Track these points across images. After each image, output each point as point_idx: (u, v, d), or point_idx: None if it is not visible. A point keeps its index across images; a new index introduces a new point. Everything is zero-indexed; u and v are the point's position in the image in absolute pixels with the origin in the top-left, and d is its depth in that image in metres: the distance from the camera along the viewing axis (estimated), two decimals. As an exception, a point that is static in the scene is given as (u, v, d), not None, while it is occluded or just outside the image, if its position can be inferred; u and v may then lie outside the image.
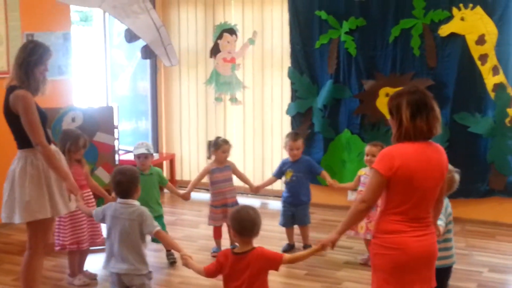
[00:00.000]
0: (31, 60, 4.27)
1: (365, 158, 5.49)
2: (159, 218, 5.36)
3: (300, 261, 3.63)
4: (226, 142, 5.80)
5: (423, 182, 3.25)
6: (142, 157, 5.45)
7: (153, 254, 5.54)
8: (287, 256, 3.58)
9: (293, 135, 5.90)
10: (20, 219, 4.30)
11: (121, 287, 3.97)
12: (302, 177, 5.82)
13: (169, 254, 5.62)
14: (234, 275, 3.50)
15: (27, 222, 4.37)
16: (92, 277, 5.23)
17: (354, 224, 3.48)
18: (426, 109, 3.28)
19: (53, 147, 4.41)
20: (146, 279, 3.94)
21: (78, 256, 5.22)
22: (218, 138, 5.87)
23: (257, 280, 3.48)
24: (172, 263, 5.57)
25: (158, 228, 3.94)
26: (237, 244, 3.66)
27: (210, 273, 3.65)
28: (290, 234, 5.88)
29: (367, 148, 5.50)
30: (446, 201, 3.93)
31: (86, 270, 5.28)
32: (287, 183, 5.88)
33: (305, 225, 5.90)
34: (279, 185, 7.19)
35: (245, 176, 6.09)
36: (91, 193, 5.21)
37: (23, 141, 4.27)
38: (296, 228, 5.94)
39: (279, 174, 5.96)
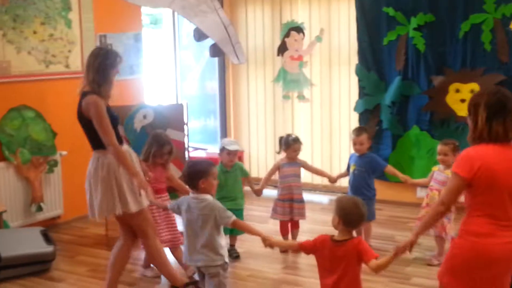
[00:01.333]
0: (107, 63, 4.46)
1: (438, 157, 5.42)
2: (240, 211, 5.47)
3: (383, 269, 3.52)
4: (296, 141, 5.84)
5: (506, 182, 3.20)
6: (233, 154, 5.56)
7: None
8: (374, 262, 3.45)
9: (357, 130, 5.90)
10: (98, 218, 4.58)
11: (201, 276, 4.11)
12: (363, 172, 5.77)
13: (231, 249, 5.69)
14: (330, 263, 3.50)
15: (128, 217, 4.57)
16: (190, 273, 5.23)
17: (432, 226, 3.47)
18: (504, 111, 3.23)
19: (125, 146, 4.59)
20: (220, 269, 4.01)
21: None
22: (289, 136, 5.90)
23: (350, 271, 3.48)
24: (235, 257, 5.64)
25: (234, 217, 4.00)
26: None
27: (303, 247, 3.66)
28: (357, 232, 5.81)
29: (439, 147, 5.42)
30: None
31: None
32: (349, 178, 5.87)
33: (369, 221, 5.76)
34: (346, 182, 7.19)
35: (320, 169, 6.19)
36: (168, 197, 5.31)
37: (96, 142, 4.47)
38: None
39: (349, 168, 5.96)
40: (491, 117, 3.22)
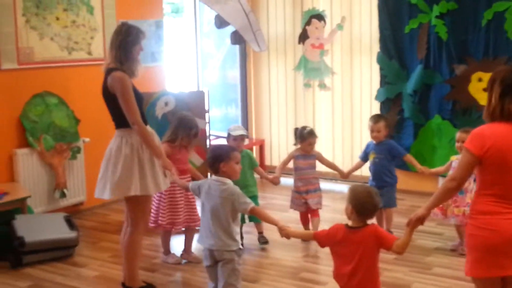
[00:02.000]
0: (129, 40, 4.43)
1: (456, 144, 5.40)
2: (253, 198, 5.48)
3: (407, 246, 3.46)
4: (311, 134, 5.81)
5: None
6: (239, 139, 5.57)
7: (244, 236, 5.65)
8: (398, 242, 3.44)
9: (375, 117, 5.90)
10: (110, 195, 4.47)
11: (212, 261, 4.08)
12: (383, 159, 5.77)
13: (260, 236, 5.73)
14: (346, 250, 3.48)
15: (127, 200, 4.56)
16: (198, 260, 5.30)
17: (443, 202, 3.40)
18: None
19: (148, 128, 4.56)
20: (235, 255, 4.03)
21: (168, 235, 5.40)
22: (304, 129, 5.86)
23: (368, 258, 3.45)
24: (263, 243, 5.67)
25: (252, 204, 4.01)
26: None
27: (318, 236, 3.65)
28: (380, 218, 5.81)
29: (458, 134, 5.40)
30: None
31: (193, 253, 5.42)
32: (370, 166, 5.87)
33: (390, 208, 5.78)
34: (367, 171, 7.18)
35: (333, 163, 6.10)
36: (190, 178, 5.33)
37: (120, 121, 4.44)
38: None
39: (364, 157, 5.94)
40: (505, 94, 3.18)
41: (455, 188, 3.31)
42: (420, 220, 3.43)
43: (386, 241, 3.45)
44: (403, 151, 5.90)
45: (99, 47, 6.85)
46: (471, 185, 5.19)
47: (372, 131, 5.81)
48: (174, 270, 5.25)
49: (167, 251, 5.42)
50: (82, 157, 6.63)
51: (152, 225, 5.33)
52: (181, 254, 5.43)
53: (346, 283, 3.51)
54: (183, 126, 5.27)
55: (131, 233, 4.59)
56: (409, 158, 5.84)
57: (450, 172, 5.39)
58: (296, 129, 5.95)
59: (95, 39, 6.82)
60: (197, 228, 5.13)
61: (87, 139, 6.62)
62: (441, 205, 5.36)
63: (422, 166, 5.80)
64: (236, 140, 5.55)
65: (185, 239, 5.41)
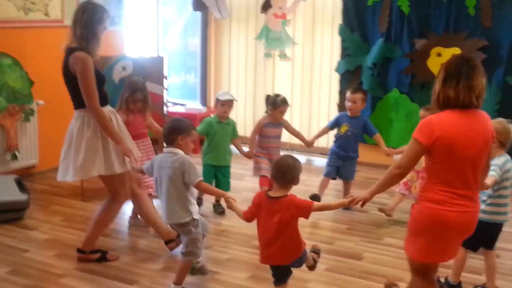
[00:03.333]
0: (95, 18, 4.32)
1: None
2: (226, 168, 5.56)
3: (328, 209, 3.71)
4: (284, 102, 5.78)
5: (465, 151, 3.15)
6: (227, 105, 5.54)
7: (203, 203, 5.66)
8: (316, 204, 3.61)
9: (353, 88, 5.95)
10: (73, 178, 4.41)
11: (176, 231, 4.14)
12: (356, 133, 5.83)
13: (217, 204, 5.71)
14: (266, 216, 3.59)
15: (102, 178, 4.50)
16: (144, 224, 5.26)
17: (387, 188, 3.42)
18: (459, 75, 3.14)
19: (108, 108, 4.47)
20: (191, 226, 4.02)
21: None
22: (277, 96, 5.82)
23: (288, 226, 3.55)
24: (220, 212, 5.67)
25: (200, 178, 3.98)
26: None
27: (247, 216, 3.75)
28: (324, 186, 5.83)
29: (421, 112, 5.39)
30: (506, 158, 3.88)
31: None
32: (339, 136, 5.87)
33: (349, 181, 5.92)
34: (325, 142, 7.20)
35: (299, 132, 6.13)
36: (150, 141, 5.29)
37: (80, 101, 4.33)
38: (336, 184, 5.94)
39: (332, 125, 5.96)
40: (446, 80, 3.17)
41: (399, 175, 3.32)
42: (360, 202, 3.49)
43: (304, 208, 3.56)
44: (375, 130, 5.94)
45: (57, 9, 6.69)
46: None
47: (348, 100, 5.80)
48: (127, 235, 5.22)
49: (134, 214, 5.40)
50: (35, 119, 6.49)
51: None
52: (128, 220, 5.40)
53: (264, 248, 3.65)
54: (128, 90, 5.21)
55: (111, 202, 4.58)
56: (378, 137, 5.88)
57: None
58: (268, 96, 5.90)
59: (52, 1, 6.64)
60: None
61: (41, 102, 6.48)
62: (406, 181, 5.40)
63: (388, 148, 5.82)
64: (224, 105, 5.53)
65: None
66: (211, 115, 5.65)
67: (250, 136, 5.94)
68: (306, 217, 3.59)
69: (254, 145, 5.83)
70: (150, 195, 5.22)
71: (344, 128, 5.83)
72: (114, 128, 4.42)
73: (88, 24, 4.30)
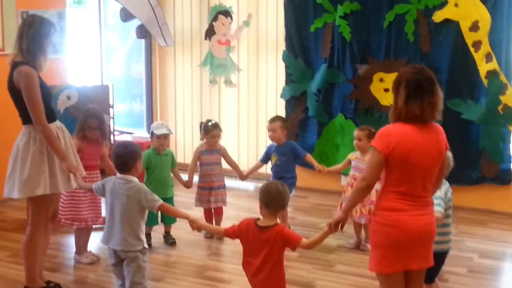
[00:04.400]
0: (40, 33, 4.28)
1: (354, 142, 5.56)
2: (171, 200, 5.49)
3: (316, 245, 3.66)
4: (215, 126, 5.80)
5: (420, 160, 3.29)
6: (163, 138, 5.51)
7: (152, 234, 5.59)
8: (305, 240, 3.60)
9: (272, 117, 6.00)
10: (19, 195, 4.32)
11: (116, 259, 4.02)
12: (285, 161, 5.85)
13: (167, 236, 5.68)
14: (254, 246, 3.58)
15: (28, 198, 4.41)
16: (95, 258, 5.23)
17: (357, 203, 3.56)
18: (422, 92, 3.26)
19: (57, 123, 4.43)
20: (139, 253, 3.98)
21: (84, 234, 5.25)
22: (208, 122, 5.86)
23: (274, 255, 3.56)
24: (172, 243, 5.63)
25: (161, 201, 3.97)
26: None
27: (228, 233, 3.74)
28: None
29: (355, 132, 5.57)
30: (446, 186, 3.97)
31: (90, 251, 5.30)
32: (272, 168, 5.93)
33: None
34: (264, 170, 7.24)
35: (234, 163, 6.07)
36: (99, 174, 5.21)
37: (27, 116, 4.28)
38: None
39: (265, 159, 6.00)
40: (409, 97, 3.27)
41: (366, 187, 3.39)
42: (338, 224, 3.51)
43: (291, 241, 3.58)
44: (304, 152, 5.97)
45: (-3, 37, 6.56)
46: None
47: (268, 130, 5.88)
48: (76, 269, 5.13)
49: (79, 250, 5.26)
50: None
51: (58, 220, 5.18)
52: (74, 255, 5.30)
53: (252, 276, 3.62)
54: (82, 117, 5.18)
55: (30, 233, 4.45)
56: (309, 158, 5.93)
57: (351, 172, 5.55)
58: (201, 123, 5.94)
59: (-7, 29, 6.53)
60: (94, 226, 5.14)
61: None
62: (341, 202, 5.49)
63: (320, 165, 5.88)
64: (159, 138, 5.49)
65: (81, 240, 5.26)
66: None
67: (189, 165, 5.93)
68: (293, 248, 3.60)
69: (192, 174, 5.81)
70: (86, 228, 5.19)
71: (273, 158, 5.89)
72: (60, 144, 4.36)
73: (34, 37, 4.28)
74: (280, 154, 5.84)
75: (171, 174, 5.70)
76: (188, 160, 7.19)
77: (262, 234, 3.57)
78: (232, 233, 3.72)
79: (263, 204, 3.62)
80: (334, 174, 6.23)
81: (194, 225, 3.87)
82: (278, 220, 3.73)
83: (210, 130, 5.76)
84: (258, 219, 3.65)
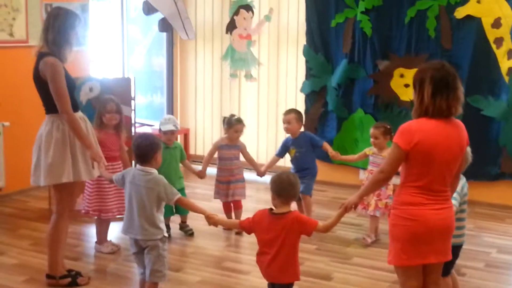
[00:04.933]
0: (66, 25, 4.35)
1: (371, 140, 5.57)
2: (181, 191, 5.47)
3: (332, 227, 3.72)
4: (239, 121, 5.84)
5: (442, 156, 3.33)
6: (169, 133, 5.54)
7: (170, 225, 5.65)
8: (321, 224, 3.67)
9: (287, 110, 6.03)
10: (44, 182, 4.40)
11: (138, 249, 4.08)
12: (304, 152, 5.87)
13: (184, 226, 5.73)
14: (270, 234, 3.60)
15: (54, 186, 4.49)
16: (116, 248, 5.30)
17: (372, 191, 3.72)
18: (448, 88, 3.32)
19: (79, 114, 4.50)
20: (159, 242, 4.04)
21: (105, 224, 5.32)
22: (232, 116, 5.90)
23: (290, 242, 3.58)
24: (190, 234, 5.68)
25: (179, 195, 4.02)
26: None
27: (244, 226, 3.79)
28: (300, 208, 5.85)
29: (371, 131, 5.58)
30: (463, 181, 3.97)
31: (110, 240, 5.36)
32: (292, 160, 5.95)
33: (306, 195, 5.82)
34: (282, 163, 7.26)
35: (253, 159, 6.07)
36: (121, 165, 5.27)
37: (51, 106, 4.35)
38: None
39: (281, 153, 6.01)
40: (436, 93, 3.32)
41: (383, 179, 3.48)
42: (351, 207, 3.58)
43: (307, 226, 3.62)
44: (321, 140, 6.01)
45: (22, 29, 6.65)
46: (393, 180, 5.34)
47: (283, 122, 5.91)
48: (97, 258, 5.20)
49: (100, 240, 5.33)
50: (1, 141, 6.42)
51: (83, 211, 5.28)
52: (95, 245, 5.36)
53: (266, 268, 3.64)
54: (99, 104, 5.24)
55: (56, 221, 4.52)
56: (326, 146, 5.94)
57: (369, 167, 5.58)
58: (224, 118, 5.96)
59: (17, 20, 6.61)
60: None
61: (6, 123, 6.42)
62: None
63: (335, 151, 5.91)
64: (166, 134, 5.53)
65: (102, 229, 5.33)
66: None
67: (205, 156, 5.98)
68: (309, 234, 3.65)
69: (207, 165, 5.85)
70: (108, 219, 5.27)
71: (292, 152, 5.91)
72: (85, 132, 4.43)
73: (60, 29, 4.34)
74: (298, 146, 5.86)
75: (181, 166, 5.72)
76: (207, 152, 7.25)
77: (277, 221, 3.60)
78: (247, 224, 3.77)
79: (275, 194, 3.66)
80: (352, 168, 6.23)
81: (211, 220, 3.93)
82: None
83: (234, 125, 5.79)
84: (272, 209, 3.69)
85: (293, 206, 5.67)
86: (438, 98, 3.32)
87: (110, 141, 5.17)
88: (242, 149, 5.93)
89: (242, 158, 5.99)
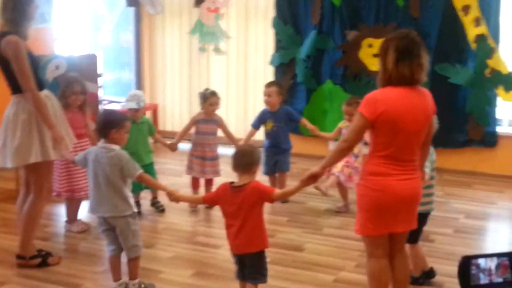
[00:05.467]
0: (24, 0, 4.26)
1: (345, 117, 5.56)
2: (150, 166, 5.46)
3: (290, 196, 3.81)
4: (213, 94, 5.79)
5: (407, 125, 3.33)
6: (133, 111, 5.47)
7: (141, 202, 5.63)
8: (278, 190, 3.69)
9: (268, 83, 6.00)
10: (11, 164, 4.35)
11: (107, 226, 4.05)
12: (283, 126, 5.89)
13: (155, 202, 5.70)
14: (233, 207, 3.61)
15: (25, 168, 4.44)
16: (86, 226, 5.27)
17: (336, 161, 3.64)
18: (410, 55, 3.33)
19: (45, 92, 4.43)
20: (129, 218, 4.01)
21: (76, 203, 5.28)
22: (206, 90, 5.85)
23: (253, 211, 3.59)
24: (161, 210, 5.66)
25: (140, 171, 4.00)
26: None
27: (207, 200, 3.83)
28: (273, 182, 5.93)
29: (344, 107, 5.54)
30: (431, 149, 4.00)
31: (80, 219, 5.32)
32: (267, 133, 5.94)
33: (284, 172, 5.97)
34: (261, 135, 7.26)
35: (230, 132, 6.01)
36: (88, 142, 5.19)
37: (16, 86, 4.28)
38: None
39: (257, 124, 5.99)
40: (398, 60, 3.33)
41: (347, 148, 3.46)
42: (314, 177, 3.55)
43: (265, 193, 3.62)
44: (299, 116, 6.03)
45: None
46: (362, 150, 5.37)
47: (264, 95, 5.88)
48: (67, 238, 5.16)
49: (70, 219, 5.28)
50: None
51: (54, 193, 5.21)
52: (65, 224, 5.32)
53: (234, 239, 3.65)
54: (64, 84, 5.15)
55: (33, 201, 4.47)
56: (304, 121, 5.98)
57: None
58: (200, 93, 5.90)
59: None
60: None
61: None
62: (348, 174, 5.49)
63: (314, 126, 5.97)
64: (130, 111, 5.46)
65: (71, 210, 5.28)
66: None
67: (180, 130, 5.95)
68: (270, 200, 3.63)
69: (181, 138, 5.82)
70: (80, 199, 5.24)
71: (269, 125, 5.89)
72: (48, 112, 4.36)
73: (17, 6, 4.26)
74: (277, 120, 5.85)
75: (151, 142, 5.68)
76: (177, 128, 7.23)
77: (237, 194, 3.60)
78: (210, 199, 3.79)
79: (233, 168, 3.68)
80: (321, 138, 6.24)
81: (172, 197, 3.93)
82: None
83: (208, 98, 5.74)
84: (233, 182, 3.68)
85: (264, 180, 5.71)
86: (400, 65, 3.33)
87: (75, 120, 5.09)
88: (220, 122, 5.89)
89: (218, 134, 5.95)
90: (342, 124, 5.65)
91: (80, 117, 5.17)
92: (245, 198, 3.57)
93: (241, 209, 3.58)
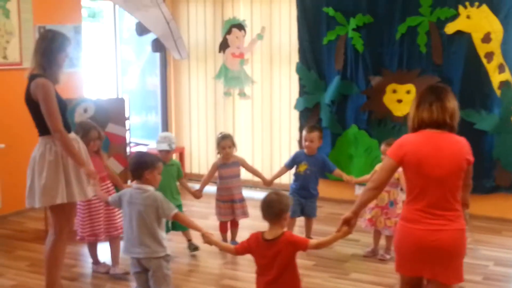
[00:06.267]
0: (53, 47, 4.40)
1: (381, 157, 5.57)
2: (178, 208, 5.42)
3: (325, 246, 3.74)
4: (224, 137, 5.81)
5: (431, 169, 3.35)
6: (164, 153, 5.54)
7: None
8: (313, 241, 3.65)
9: (309, 127, 5.99)
10: (39, 203, 4.42)
11: (140, 268, 4.08)
12: (315, 171, 5.89)
13: (190, 244, 5.70)
14: (266, 261, 3.56)
15: (50, 208, 4.51)
16: (109, 267, 5.27)
17: (365, 204, 3.58)
18: (430, 98, 3.44)
19: (72, 135, 4.52)
20: (163, 261, 4.04)
21: (96, 245, 5.30)
22: (219, 134, 5.92)
23: (288, 265, 3.55)
24: (194, 249, 5.64)
25: (176, 210, 4.04)
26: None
27: (239, 251, 3.74)
28: (291, 226, 5.86)
29: (382, 147, 5.51)
30: None
31: (104, 262, 5.33)
32: (298, 175, 5.92)
33: (311, 218, 5.99)
34: (287, 179, 7.30)
35: (256, 170, 6.09)
36: (110, 184, 5.26)
37: (43, 128, 4.38)
38: (299, 220, 6.03)
39: (291, 164, 5.98)
40: (419, 105, 3.47)
41: (372, 188, 3.52)
42: (347, 222, 3.54)
43: (300, 245, 3.59)
44: (334, 166, 6.00)
45: (15, 52, 6.69)
46: (399, 197, 5.38)
47: (305, 140, 5.89)
48: (95, 279, 5.18)
49: (96, 261, 5.33)
50: (-4, 163, 6.43)
51: (78, 238, 5.24)
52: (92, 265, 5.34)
53: (265, 287, 3.60)
54: (81, 131, 5.19)
55: (54, 242, 4.52)
56: (338, 172, 5.96)
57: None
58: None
59: (11, 43, 6.65)
60: (120, 236, 5.11)
61: (1, 145, 6.43)
62: (370, 217, 5.51)
63: (349, 176, 5.96)
64: (161, 152, 5.53)
65: (111, 249, 5.28)
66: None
67: (204, 176, 5.98)
68: (304, 250, 3.59)
69: (205, 185, 5.84)
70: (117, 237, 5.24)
71: (303, 167, 5.90)
72: (78, 151, 4.46)
73: (49, 52, 4.39)
74: (312, 164, 5.86)
75: (178, 184, 5.72)
76: (202, 171, 7.29)
77: (270, 247, 3.55)
78: (242, 250, 3.72)
79: (263, 217, 3.63)
80: (356, 183, 6.27)
81: (206, 239, 3.89)
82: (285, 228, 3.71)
83: (219, 142, 5.79)
84: (265, 232, 3.63)
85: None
86: (420, 109, 3.45)
87: (95, 164, 5.11)
88: (242, 163, 5.92)
89: (242, 176, 5.97)
90: (378, 166, 5.66)
91: (99, 161, 5.23)
92: (279, 252, 3.53)
93: (275, 261, 3.54)
